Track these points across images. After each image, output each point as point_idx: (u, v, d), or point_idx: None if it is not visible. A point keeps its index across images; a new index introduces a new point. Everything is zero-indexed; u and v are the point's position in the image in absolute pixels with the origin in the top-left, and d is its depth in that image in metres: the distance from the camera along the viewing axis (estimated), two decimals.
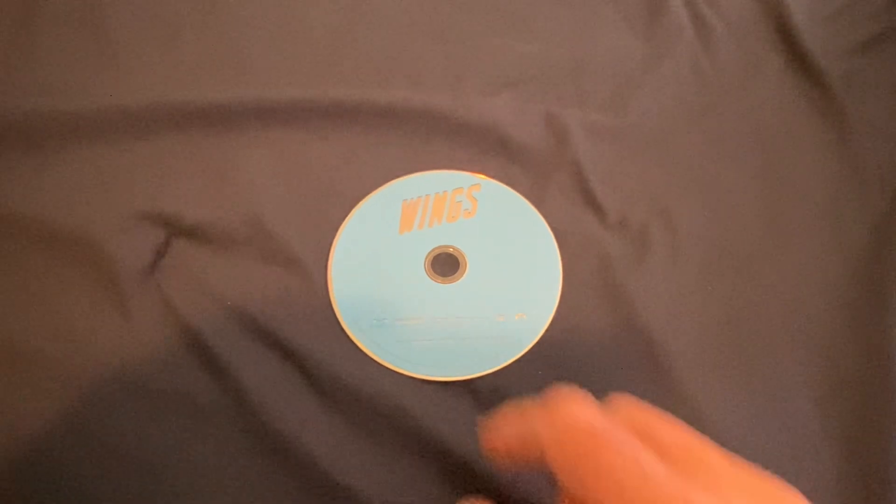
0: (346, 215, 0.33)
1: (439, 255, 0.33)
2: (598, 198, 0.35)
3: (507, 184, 0.35)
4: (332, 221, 0.33)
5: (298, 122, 0.36)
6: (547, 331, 0.31)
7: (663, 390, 0.30)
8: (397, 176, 0.35)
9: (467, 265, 0.33)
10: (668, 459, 0.17)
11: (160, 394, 0.28)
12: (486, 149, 0.36)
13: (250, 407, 0.28)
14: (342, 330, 0.30)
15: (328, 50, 0.39)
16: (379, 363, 0.30)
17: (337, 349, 0.30)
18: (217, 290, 0.31)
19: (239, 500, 0.27)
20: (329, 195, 0.34)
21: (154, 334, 0.29)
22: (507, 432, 0.21)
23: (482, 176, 0.35)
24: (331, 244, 0.32)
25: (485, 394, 0.30)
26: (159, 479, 0.27)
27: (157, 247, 0.31)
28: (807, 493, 0.29)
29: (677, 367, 0.30)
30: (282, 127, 0.35)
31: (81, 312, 0.30)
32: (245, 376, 0.29)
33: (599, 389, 0.29)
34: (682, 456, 0.18)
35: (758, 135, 0.39)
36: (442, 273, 0.32)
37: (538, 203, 0.35)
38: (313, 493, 0.27)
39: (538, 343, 0.31)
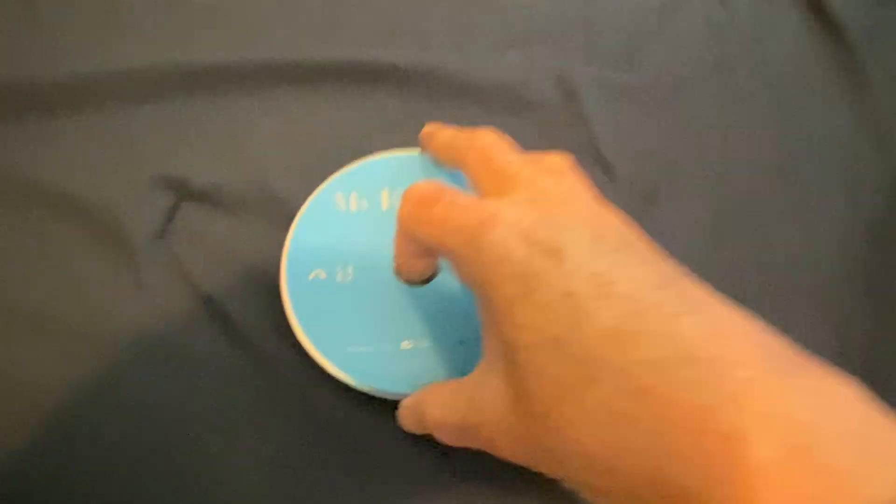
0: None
1: None
2: (607, 156, 0.34)
3: (517, 141, 0.34)
4: None
5: (305, 83, 0.35)
6: None
7: None
8: (404, 136, 0.34)
9: None
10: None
11: (173, 354, 0.29)
12: (494, 108, 0.36)
13: (263, 364, 0.29)
14: None
15: (334, 10, 0.38)
16: None
17: None
18: (227, 252, 0.31)
19: (254, 453, 0.27)
20: (336, 156, 0.34)
21: (166, 296, 0.30)
22: (441, 135, 0.29)
23: None
24: None
25: None
26: (174, 436, 0.27)
27: (167, 211, 0.32)
28: None
29: None
30: (288, 88, 0.35)
31: (94, 276, 0.30)
32: (256, 335, 0.29)
33: None
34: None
35: (773, 91, 0.38)
36: None
37: None
38: (326, 445, 0.28)
39: None
